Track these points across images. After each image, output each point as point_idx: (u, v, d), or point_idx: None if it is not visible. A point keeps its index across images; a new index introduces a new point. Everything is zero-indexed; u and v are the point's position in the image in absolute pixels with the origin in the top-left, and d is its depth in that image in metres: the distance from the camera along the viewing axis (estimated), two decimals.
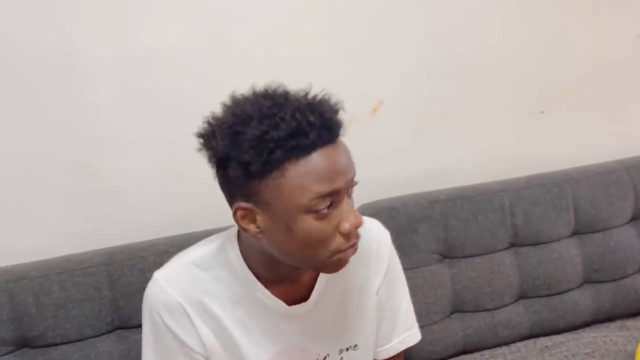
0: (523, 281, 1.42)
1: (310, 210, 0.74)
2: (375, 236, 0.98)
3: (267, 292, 0.86)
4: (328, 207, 0.75)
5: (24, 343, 1.09)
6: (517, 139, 1.63)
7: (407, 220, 1.35)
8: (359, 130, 1.45)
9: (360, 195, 1.38)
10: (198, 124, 0.79)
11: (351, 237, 0.79)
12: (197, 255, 0.88)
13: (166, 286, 0.84)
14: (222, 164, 0.75)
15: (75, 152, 1.25)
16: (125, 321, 1.15)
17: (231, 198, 0.79)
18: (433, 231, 1.37)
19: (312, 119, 0.71)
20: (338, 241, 0.78)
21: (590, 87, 1.65)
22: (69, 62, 1.21)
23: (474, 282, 1.38)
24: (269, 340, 0.89)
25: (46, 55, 1.19)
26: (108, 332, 1.14)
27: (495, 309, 1.39)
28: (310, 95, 0.77)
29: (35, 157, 1.22)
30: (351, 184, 0.78)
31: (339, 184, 0.75)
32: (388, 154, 1.51)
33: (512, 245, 1.43)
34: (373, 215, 1.31)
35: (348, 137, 0.80)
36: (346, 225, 0.77)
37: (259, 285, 0.86)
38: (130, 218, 1.30)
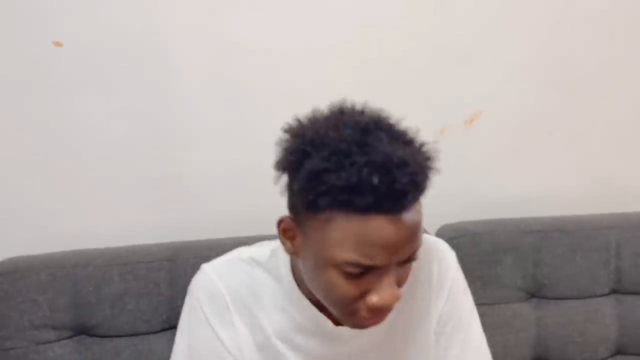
0: (623, 334, 1.25)
1: (340, 270, 0.68)
2: (436, 253, 0.87)
3: (312, 307, 0.81)
4: (360, 274, 0.67)
5: (82, 330, 1.09)
6: (637, 167, 1.44)
7: (492, 249, 1.22)
8: (451, 141, 1.35)
9: (443, 215, 1.28)
10: (280, 125, 0.73)
11: (374, 311, 0.70)
12: (248, 255, 0.85)
13: (213, 276, 0.82)
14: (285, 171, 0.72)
15: (156, 143, 1.24)
16: None
17: (287, 205, 0.74)
18: (521, 265, 1.23)
19: (376, 181, 0.61)
20: (359, 307, 0.70)
21: None
22: (159, 54, 1.19)
23: (563, 328, 1.23)
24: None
25: (136, 46, 1.18)
26: (163, 330, 1.12)
27: None
28: (398, 147, 0.65)
29: (117, 146, 1.22)
30: (403, 260, 0.68)
31: (380, 261, 0.66)
32: (480, 170, 1.39)
33: (614, 291, 1.27)
34: (453, 239, 1.21)
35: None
36: (373, 298, 0.68)
37: (303, 298, 0.81)
38: (199, 214, 1.28)
